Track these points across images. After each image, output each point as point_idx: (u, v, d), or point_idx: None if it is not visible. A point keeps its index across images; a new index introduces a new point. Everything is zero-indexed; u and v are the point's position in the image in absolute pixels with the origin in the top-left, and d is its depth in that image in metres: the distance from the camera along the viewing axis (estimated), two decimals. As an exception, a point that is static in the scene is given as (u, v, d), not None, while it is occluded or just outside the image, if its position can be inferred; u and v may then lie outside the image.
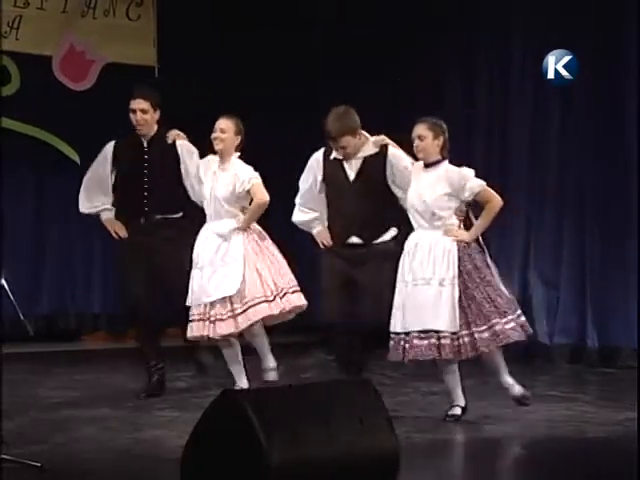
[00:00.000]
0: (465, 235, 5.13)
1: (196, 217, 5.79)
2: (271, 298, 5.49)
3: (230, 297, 5.46)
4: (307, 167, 5.44)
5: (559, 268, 7.22)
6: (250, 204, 5.60)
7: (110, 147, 5.86)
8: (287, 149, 7.86)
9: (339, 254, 5.35)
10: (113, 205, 5.86)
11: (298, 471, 3.45)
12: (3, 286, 4.08)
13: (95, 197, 5.86)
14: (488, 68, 7.50)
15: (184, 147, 5.81)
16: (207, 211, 5.64)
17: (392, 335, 5.11)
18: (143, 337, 5.86)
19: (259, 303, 5.48)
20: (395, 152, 5.31)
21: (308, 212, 5.45)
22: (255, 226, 5.65)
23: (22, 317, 4.12)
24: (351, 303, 5.33)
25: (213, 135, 5.57)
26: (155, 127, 5.86)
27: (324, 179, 5.38)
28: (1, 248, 4.37)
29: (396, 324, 5.10)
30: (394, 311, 5.12)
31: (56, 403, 5.53)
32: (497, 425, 5.09)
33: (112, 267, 8.20)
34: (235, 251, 5.50)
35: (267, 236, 5.66)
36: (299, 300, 5.56)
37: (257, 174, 5.60)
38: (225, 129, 5.56)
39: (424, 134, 5.10)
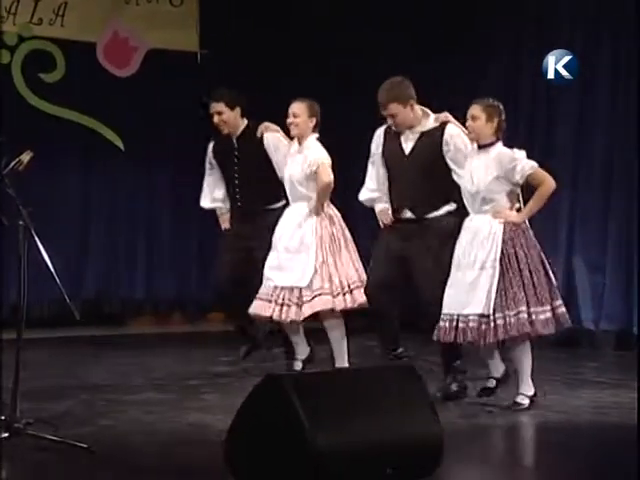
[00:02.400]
0: (514, 217, 4.99)
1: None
2: (336, 293, 5.55)
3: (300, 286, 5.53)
4: (372, 142, 5.44)
5: (605, 254, 7.14)
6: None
7: (210, 146, 6.03)
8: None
9: (394, 230, 5.32)
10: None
11: (341, 455, 3.45)
12: (50, 270, 4.12)
13: (212, 192, 6.04)
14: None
15: (270, 140, 5.83)
16: (288, 195, 5.71)
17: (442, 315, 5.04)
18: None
19: (325, 294, 5.53)
20: (454, 129, 5.20)
21: (372, 192, 5.43)
22: (328, 210, 5.64)
23: (68, 301, 4.16)
24: (396, 279, 5.29)
25: (288, 121, 5.59)
26: (242, 123, 5.89)
27: (383, 153, 5.37)
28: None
29: (443, 305, 5.03)
30: (446, 290, 5.02)
31: (103, 386, 5.57)
32: (542, 411, 5.05)
33: (156, 252, 8.32)
34: (308, 238, 5.55)
35: (339, 220, 5.66)
36: (362, 297, 5.54)
37: (326, 155, 5.58)
38: (298, 113, 5.57)
39: (477, 115, 4.98)
